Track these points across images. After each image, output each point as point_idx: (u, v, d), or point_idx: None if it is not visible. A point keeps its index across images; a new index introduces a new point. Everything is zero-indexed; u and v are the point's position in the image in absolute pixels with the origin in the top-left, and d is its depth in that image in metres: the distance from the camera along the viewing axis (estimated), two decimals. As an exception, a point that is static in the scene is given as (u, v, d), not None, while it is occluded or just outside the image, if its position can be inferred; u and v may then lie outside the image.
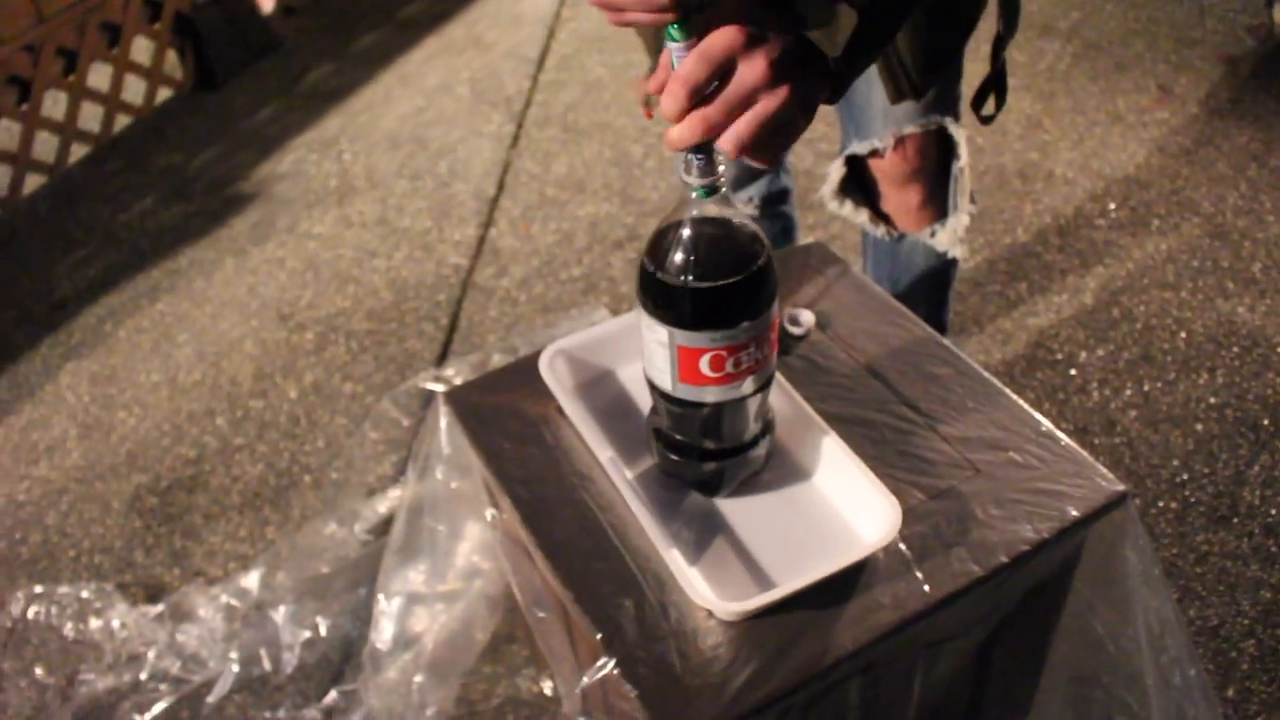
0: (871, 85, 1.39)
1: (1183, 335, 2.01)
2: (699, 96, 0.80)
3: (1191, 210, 2.30)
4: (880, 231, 1.59)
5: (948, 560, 0.97)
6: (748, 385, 0.93)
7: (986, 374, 1.15)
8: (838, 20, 0.83)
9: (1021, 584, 1.04)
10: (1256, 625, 1.55)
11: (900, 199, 1.55)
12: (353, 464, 1.96)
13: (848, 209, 1.57)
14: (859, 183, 1.57)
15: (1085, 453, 1.06)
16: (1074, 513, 1.00)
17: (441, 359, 2.19)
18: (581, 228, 2.48)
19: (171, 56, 3.20)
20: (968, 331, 2.07)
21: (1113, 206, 2.34)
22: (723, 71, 0.80)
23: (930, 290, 1.70)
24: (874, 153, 1.47)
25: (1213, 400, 1.88)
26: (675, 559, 0.94)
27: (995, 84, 1.30)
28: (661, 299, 0.89)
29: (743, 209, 1.60)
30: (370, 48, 3.37)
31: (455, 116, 2.96)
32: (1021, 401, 1.12)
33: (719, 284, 0.87)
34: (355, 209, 2.66)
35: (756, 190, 1.76)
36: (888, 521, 0.95)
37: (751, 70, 0.80)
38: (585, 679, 0.95)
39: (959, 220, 1.55)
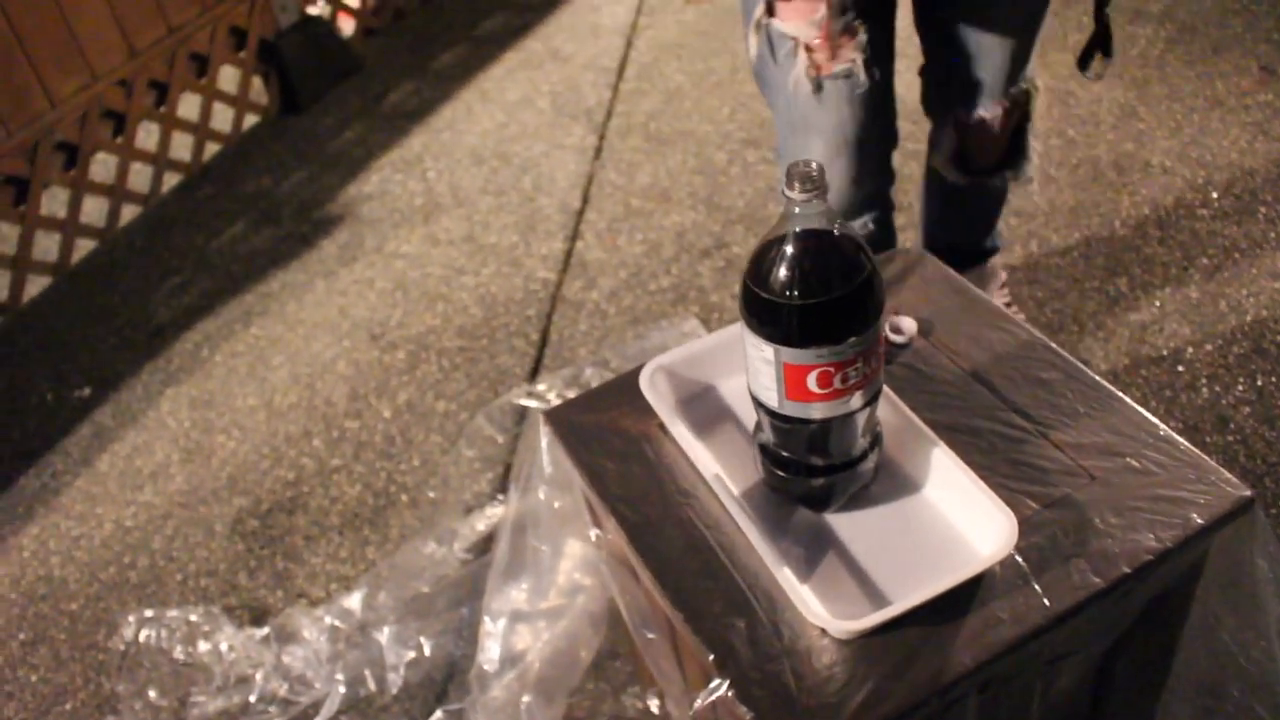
0: (986, 55, 1.54)
1: (1295, 327, 1.94)
2: None
3: (1299, 196, 2.22)
4: (962, 180, 1.71)
5: (1067, 572, 0.94)
6: (856, 400, 0.91)
7: (1097, 377, 1.12)
8: None
9: (1144, 594, 1.01)
10: (1390, 629, 1.48)
11: (985, 153, 1.68)
12: (449, 482, 1.97)
13: (952, 174, 1.70)
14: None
15: (1207, 457, 1.02)
16: (1198, 520, 0.97)
17: (533, 374, 2.20)
18: (668, 237, 2.48)
19: (257, 83, 3.26)
20: (1068, 330, 2.02)
21: (1215, 195, 2.27)
22: None
23: (991, 212, 1.87)
24: (980, 122, 1.60)
25: (1331, 394, 1.81)
26: (787, 577, 0.93)
27: (1101, 41, 1.33)
28: (766, 316, 0.87)
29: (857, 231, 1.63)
30: (450, 65, 3.40)
31: (537, 130, 2.98)
32: (1136, 405, 1.08)
33: (825, 300, 0.85)
34: (441, 227, 2.69)
35: (872, 216, 1.69)
36: (1003, 534, 0.92)
37: None
38: (700, 701, 0.94)
39: (1031, 162, 1.68)
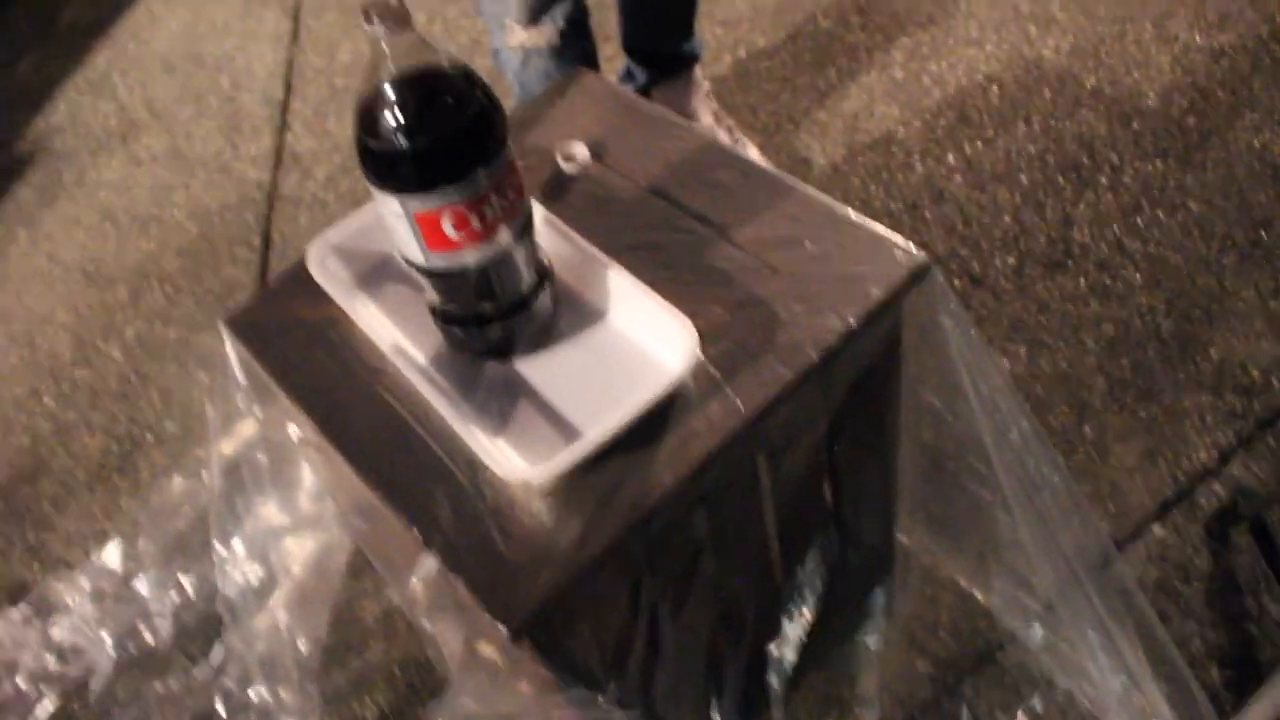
0: None
1: (995, 90, 1.98)
2: None
3: (985, -41, 2.25)
4: None
5: (757, 370, 0.93)
6: (504, 237, 0.87)
7: (773, 169, 1.10)
8: None
9: (844, 375, 1.01)
10: (1102, 360, 1.56)
11: None
12: (189, 410, 1.87)
13: None
14: None
15: (883, 229, 1.02)
16: (877, 293, 0.97)
17: (262, 279, 2.09)
18: (381, 113, 2.36)
19: (-91, 26, 2.95)
20: (784, 130, 2.01)
21: (908, -28, 2.28)
22: None
23: (683, 8, 1.85)
24: None
25: (1032, 149, 1.86)
26: (474, 434, 0.89)
27: None
28: (381, 168, 0.81)
29: (548, 34, 1.56)
30: (125, -30, 3.13)
31: (227, 24, 2.78)
32: (811, 189, 1.06)
33: (436, 137, 0.79)
34: (142, 145, 2.50)
35: (562, 12, 1.65)
36: (684, 345, 0.90)
37: None
38: (413, 580, 0.90)
39: None
